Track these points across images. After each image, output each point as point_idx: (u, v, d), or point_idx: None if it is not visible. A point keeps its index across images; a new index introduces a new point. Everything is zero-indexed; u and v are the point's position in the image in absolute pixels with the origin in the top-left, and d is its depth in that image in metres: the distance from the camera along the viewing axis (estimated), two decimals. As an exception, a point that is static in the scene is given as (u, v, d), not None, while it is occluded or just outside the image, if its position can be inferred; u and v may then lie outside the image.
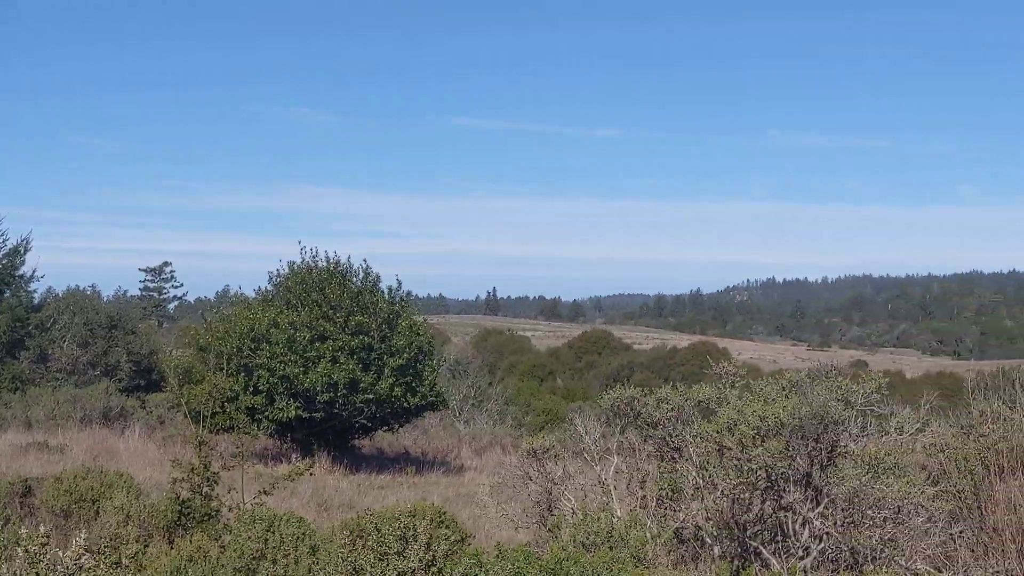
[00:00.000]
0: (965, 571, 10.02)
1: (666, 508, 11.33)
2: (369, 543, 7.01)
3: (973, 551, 10.72)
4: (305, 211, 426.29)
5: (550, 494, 11.89)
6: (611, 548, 9.48)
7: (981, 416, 12.49)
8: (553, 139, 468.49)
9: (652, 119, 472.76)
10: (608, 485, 11.67)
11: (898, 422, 11.48)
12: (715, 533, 10.81)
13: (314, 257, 28.93)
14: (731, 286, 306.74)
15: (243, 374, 26.47)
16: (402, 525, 7.02)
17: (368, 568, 6.90)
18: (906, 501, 10.03)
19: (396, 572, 6.86)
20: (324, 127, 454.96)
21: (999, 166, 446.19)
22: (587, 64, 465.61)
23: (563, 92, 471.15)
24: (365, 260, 29.41)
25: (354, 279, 28.67)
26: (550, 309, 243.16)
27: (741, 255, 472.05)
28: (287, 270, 29.15)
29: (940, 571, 10.05)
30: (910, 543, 10.25)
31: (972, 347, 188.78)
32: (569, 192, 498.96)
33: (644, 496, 11.48)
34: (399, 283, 29.54)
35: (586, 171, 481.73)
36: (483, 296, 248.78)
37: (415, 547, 6.95)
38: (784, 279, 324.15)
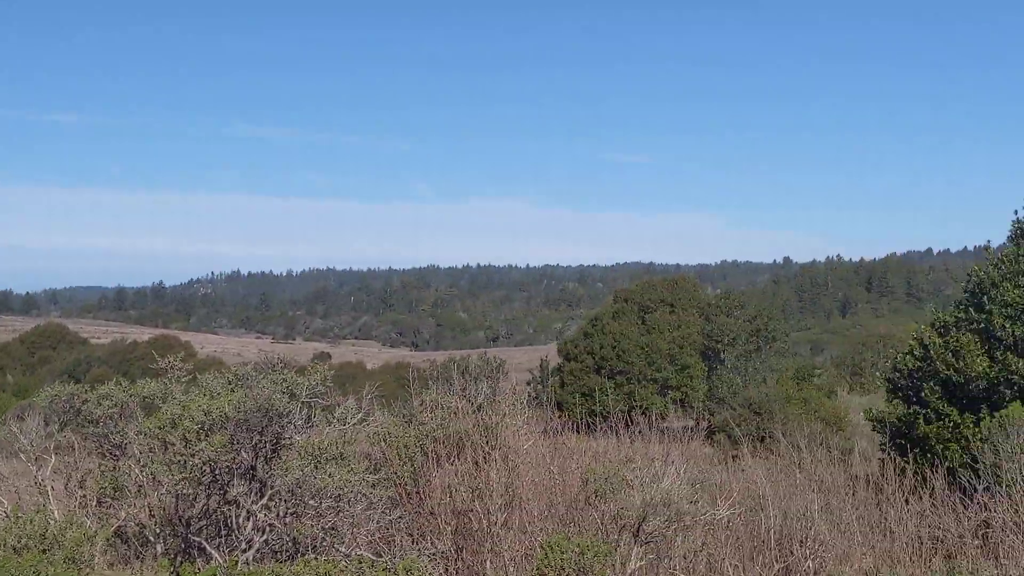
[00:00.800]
0: (403, 554, 10.43)
1: (108, 507, 11.05)
2: None
3: (412, 534, 11.24)
4: None
5: (-22, 498, 11.22)
6: (44, 551, 9.09)
7: (422, 405, 13.09)
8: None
9: (109, 103, 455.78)
10: (45, 486, 11.16)
11: (342, 412, 11.78)
12: (158, 530, 10.66)
13: None
14: (195, 279, 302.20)
15: None
16: None
17: None
18: (347, 489, 10.32)
19: None
20: None
21: (449, 167, 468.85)
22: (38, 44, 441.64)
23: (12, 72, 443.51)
24: None
25: None
26: (1, 302, 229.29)
27: (206, 247, 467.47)
28: None
29: (380, 555, 10.39)
30: (351, 530, 10.58)
31: (429, 338, 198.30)
32: (22, 178, 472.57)
33: (84, 496, 11.14)
34: None
35: (43, 155, 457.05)
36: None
37: None
38: (249, 272, 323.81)
